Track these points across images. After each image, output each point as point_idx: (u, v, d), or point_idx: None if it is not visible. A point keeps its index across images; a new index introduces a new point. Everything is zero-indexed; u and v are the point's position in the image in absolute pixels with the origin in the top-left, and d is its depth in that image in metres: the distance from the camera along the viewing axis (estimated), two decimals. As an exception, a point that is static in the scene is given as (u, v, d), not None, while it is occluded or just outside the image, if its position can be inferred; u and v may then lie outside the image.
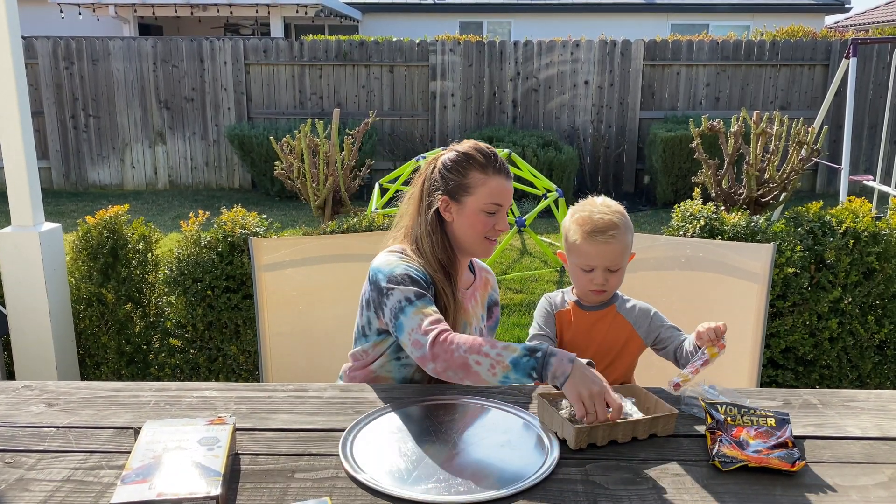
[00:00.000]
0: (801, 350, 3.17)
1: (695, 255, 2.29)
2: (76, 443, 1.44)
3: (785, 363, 3.22)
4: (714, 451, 1.38)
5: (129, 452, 1.32)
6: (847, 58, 6.16)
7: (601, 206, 1.74)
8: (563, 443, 1.44)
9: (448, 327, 1.61)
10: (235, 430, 1.42)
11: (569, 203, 7.32)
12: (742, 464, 1.34)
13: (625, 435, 1.47)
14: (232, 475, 1.32)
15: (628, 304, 1.82)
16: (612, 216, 1.70)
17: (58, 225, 3.22)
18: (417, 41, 9.36)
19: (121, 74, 9.27)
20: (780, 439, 1.42)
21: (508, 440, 1.47)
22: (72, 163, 9.49)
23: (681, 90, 9.43)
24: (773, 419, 1.48)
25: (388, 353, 1.80)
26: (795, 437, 1.46)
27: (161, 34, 16.83)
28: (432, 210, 1.80)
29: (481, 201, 1.76)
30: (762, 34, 10.64)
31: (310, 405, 1.61)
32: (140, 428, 1.40)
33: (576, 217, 1.74)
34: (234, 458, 1.37)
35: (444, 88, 9.36)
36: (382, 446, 1.43)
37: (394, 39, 9.55)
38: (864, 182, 6.77)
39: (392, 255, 1.77)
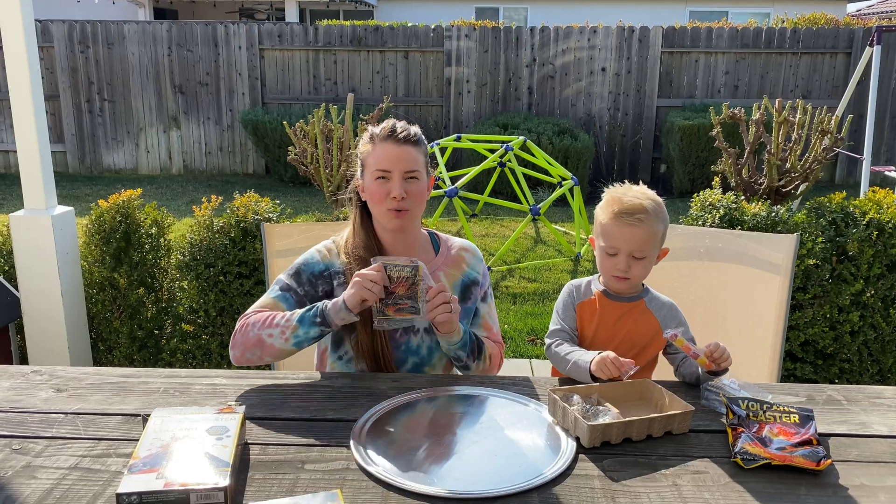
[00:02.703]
0: (820, 343, 3.11)
1: (714, 245, 2.24)
2: (84, 430, 1.42)
3: (804, 356, 3.16)
4: (736, 448, 1.34)
5: (138, 440, 1.30)
6: (871, 45, 6.03)
7: (636, 190, 1.70)
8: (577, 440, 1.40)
9: (263, 315, 1.67)
10: (245, 419, 1.39)
11: (584, 192, 7.25)
12: (765, 462, 1.30)
13: (640, 433, 1.43)
14: (241, 465, 1.29)
15: (658, 301, 1.77)
16: (644, 201, 1.66)
17: (70, 209, 3.20)
18: (433, 26, 9.28)
19: (136, 58, 9.27)
20: (804, 436, 1.38)
21: (524, 433, 1.44)
22: (87, 147, 9.51)
23: (699, 78, 9.30)
24: (796, 415, 1.44)
25: (329, 353, 1.81)
26: (820, 435, 1.41)
27: (176, 18, 16.82)
28: (354, 195, 1.84)
29: (371, 170, 1.75)
30: (783, 21, 10.47)
31: (320, 394, 1.58)
32: (149, 415, 1.38)
33: (607, 198, 1.71)
34: (243, 448, 1.35)
35: (458, 75, 9.28)
36: (394, 437, 1.40)
37: (409, 25, 9.48)
38: (886, 172, 6.65)
39: (319, 244, 1.84)
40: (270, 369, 2.21)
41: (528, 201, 5.89)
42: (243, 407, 1.41)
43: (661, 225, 1.69)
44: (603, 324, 1.71)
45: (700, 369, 1.60)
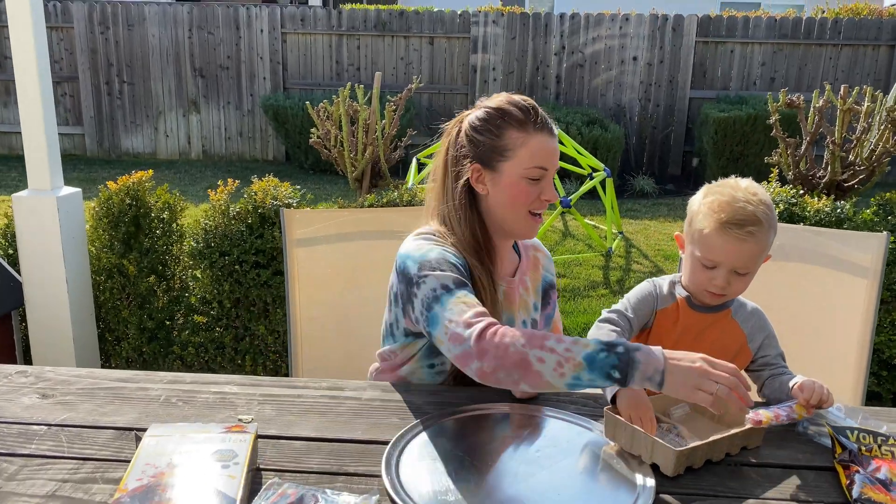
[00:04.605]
0: (887, 352, 2.84)
1: (790, 243, 1.98)
2: (69, 446, 1.20)
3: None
4: (854, 494, 1.10)
5: (129, 461, 1.08)
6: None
7: (745, 191, 1.39)
8: (654, 468, 1.17)
9: (496, 321, 1.29)
10: (257, 438, 1.17)
11: (614, 184, 6.97)
12: (895, 512, 1.06)
13: (719, 453, 1.20)
14: (251, 497, 1.07)
15: (744, 308, 1.50)
16: (757, 208, 1.36)
17: (78, 190, 3.00)
18: (459, 12, 9.01)
19: (156, 40, 9.08)
20: (934, 479, 1.13)
21: (588, 464, 1.20)
22: (105, 130, 9.36)
23: (734, 69, 8.95)
24: (920, 451, 1.19)
25: (418, 359, 1.51)
26: (951, 476, 1.17)
27: (197, 0, 16.65)
28: (461, 182, 1.48)
29: (522, 165, 1.43)
30: (823, 11, 10.08)
31: (346, 408, 1.36)
32: (143, 431, 1.16)
33: (710, 200, 1.40)
34: (254, 475, 1.13)
35: (485, 62, 9.01)
36: (435, 466, 1.16)
37: (434, 10, 9.21)
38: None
39: (421, 239, 1.46)
40: (287, 368, 1.99)
41: (558, 192, 5.63)
42: (255, 424, 1.19)
43: (772, 234, 1.40)
44: (684, 337, 1.45)
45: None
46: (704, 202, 1.41)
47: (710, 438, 1.18)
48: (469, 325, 1.27)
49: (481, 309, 1.31)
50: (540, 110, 1.48)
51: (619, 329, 1.44)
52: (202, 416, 1.32)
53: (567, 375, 1.19)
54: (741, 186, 1.39)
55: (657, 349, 1.20)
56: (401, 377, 1.54)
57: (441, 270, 1.37)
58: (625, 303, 1.50)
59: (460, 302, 1.32)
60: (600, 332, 1.43)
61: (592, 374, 1.18)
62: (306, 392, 1.42)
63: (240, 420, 1.29)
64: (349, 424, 1.29)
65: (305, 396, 1.40)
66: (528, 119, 1.45)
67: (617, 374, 1.17)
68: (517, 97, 1.50)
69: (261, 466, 1.16)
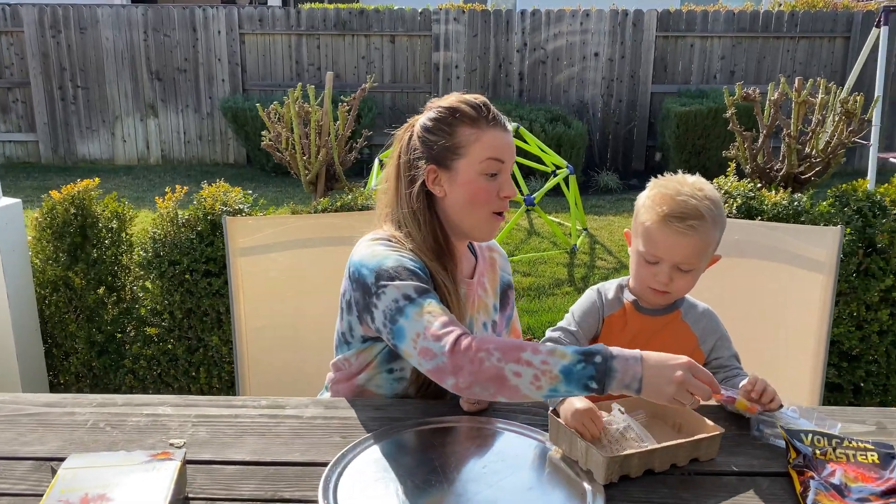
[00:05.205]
0: (846, 344, 2.85)
1: (744, 238, 1.96)
2: (-19, 481, 1.12)
3: (828, 358, 2.90)
4: (808, 501, 1.06)
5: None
6: (878, 26, 5.77)
7: (691, 186, 1.35)
8: (589, 474, 1.13)
9: (465, 329, 1.25)
10: (185, 464, 1.10)
11: (578, 181, 6.97)
12: (849, 520, 1.02)
13: (662, 463, 1.16)
14: (177, 531, 1.00)
15: (694, 310, 1.46)
16: (701, 203, 1.32)
17: (17, 201, 2.88)
18: (420, 10, 8.94)
19: (110, 44, 8.87)
20: (889, 482, 1.10)
21: (536, 479, 1.15)
22: (60, 136, 9.12)
23: (695, 63, 9.02)
24: (875, 453, 1.16)
25: (376, 365, 1.44)
26: (907, 478, 1.14)
27: (152, 1, 16.35)
28: (417, 185, 1.43)
29: (477, 160, 1.39)
30: (780, 4, 10.20)
31: (286, 428, 1.29)
32: (61, 462, 1.08)
33: (654, 192, 1.37)
34: (181, 506, 1.06)
35: (447, 60, 8.96)
36: (375, 488, 1.11)
37: (395, 8, 9.14)
38: (892, 159, 6.42)
39: (376, 245, 1.40)
40: (232, 394, 1.91)
41: (521, 191, 5.60)
42: (184, 450, 1.12)
43: (718, 232, 1.36)
44: (633, 342, 1.40)
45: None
46: (649, 195, 1.38)
47: (647, 447, 1.14)
48: (438, 339, 1.22)
49: (448, 318, 1.26)
50: (492, 107, 1.45)
51: (565, 343, 1.40)
52: (131, 441, 1.24)
53: (544, 388, 1.17)
54: (688, 182, 1.36)
55: (636, 354, 1.17)
56: (357, 386, 1.47)
57: (401, 279, 1.31)
58: (569, 317, 1.46)
59: (425, 312, 1.27)
60: None
61: (569, 385, 1.16)
62: (244, 412, 1.35)
63: (171, 444, 1.22)
64: (288, 446, 1.23)
65: (243, 416, 1.33)
66: (481, 115, 1.42)
67: (594, 385, 1.16)
68: (469, 96, 1.47)
69: (189, 495, 1.09)
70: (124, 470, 1.04)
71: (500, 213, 1.44)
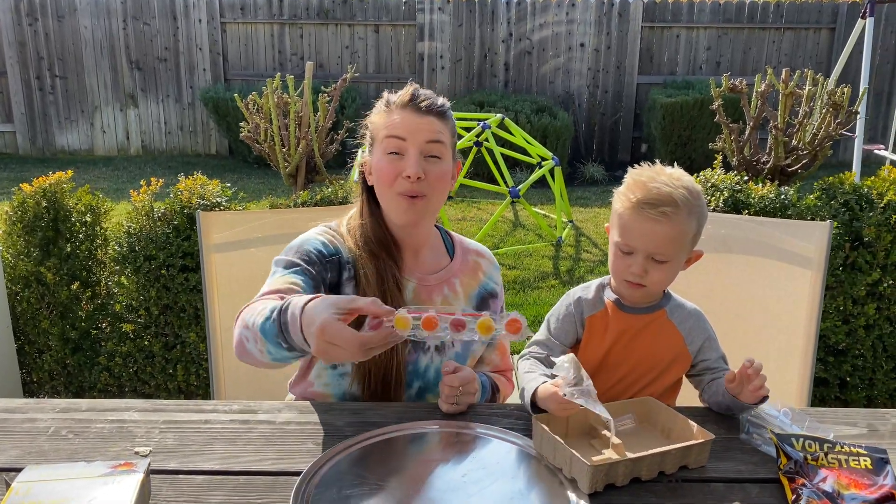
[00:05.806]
0: (832, 338, 2.82)
1: (731, 234, 1.92)
2: (-68, 495, 1.06)
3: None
4: (800, 510, 1.02)
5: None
6: (863, 18, 5.76)
7: (669, 176, 1.31)
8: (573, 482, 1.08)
9: (260, 304, 1.23)
10: (149, 476, 1.04)
11: (564, 172, 6.93)
12: (843, 531, 0.98)
13: (650, 471, 1.12)
14: (138, 548, 0.94)
15: (682, 310, 1.41)
16: (676, 191, 1.27)
17: (-13, 194, 2.79)
18: (404, -1, 8.85)
19: (88, 32, 8.71)
20: (883, 489, 1.07)
21: (517, 487, 1.10)
22: (38, 126, 8.95)
23: (680, 54, 8.99)
24: (868, 458, 1.13)
25: (319, 360, 1.41)
26: (900, 484, 1.10)
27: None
28: (360, 178, 1.51)
29: (382, 142, 1.41)
30: (765, -5, 10.18)
31: (257, 434, 1.23)
32: (16, 474, 1.02)
33: (629, 181, 1.33)
34: (144, 520, 1.00)
35: (432, 50, 8.87)
36: (351, 499, 1.05)
37: (379, -3, 9.03)
38: (876, 151, 6.42)
39: (310, 231, 1.47)
40: (205, 398, 1.86)
41: (506, 183, 5.55)
42: (148, 460, 1.06)
43: (695, 222, 1.31)
44: (617, 342, 1.35)
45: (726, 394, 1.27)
46: (624, 184, 1.34)
47: (637, 455, 1.10)
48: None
49: (270, 290, 1.29)
50: (420, 93, 1.43)
51: (542, 356, 1.37)
52: (95, 449, 1.18)
53: (265, 353, 1.20)
54: (665, 172, 1.32)
55: (301, 301, 1.15)
56: (311, 383, 1.45)
57: (285, 255, 1.39)
58: (545, 330, 1.42)
59: (268, 284, 1.32)
60: (523, 368, 1.34)
61: (271, 344, 1.18)
62: (214, 417, 1.29)
63: (136, 453, 1.16)
64: (259, 453, 1.17)
65: (213, 422, 1.27)
66: (393, 100, 1.44)
67: (283, 342, 1.16)
68: (412, 87, 1.46)
69: (153, 509, 1.03)
70: (83, 483, 0.99)
71: (412, 196, 1.39)
